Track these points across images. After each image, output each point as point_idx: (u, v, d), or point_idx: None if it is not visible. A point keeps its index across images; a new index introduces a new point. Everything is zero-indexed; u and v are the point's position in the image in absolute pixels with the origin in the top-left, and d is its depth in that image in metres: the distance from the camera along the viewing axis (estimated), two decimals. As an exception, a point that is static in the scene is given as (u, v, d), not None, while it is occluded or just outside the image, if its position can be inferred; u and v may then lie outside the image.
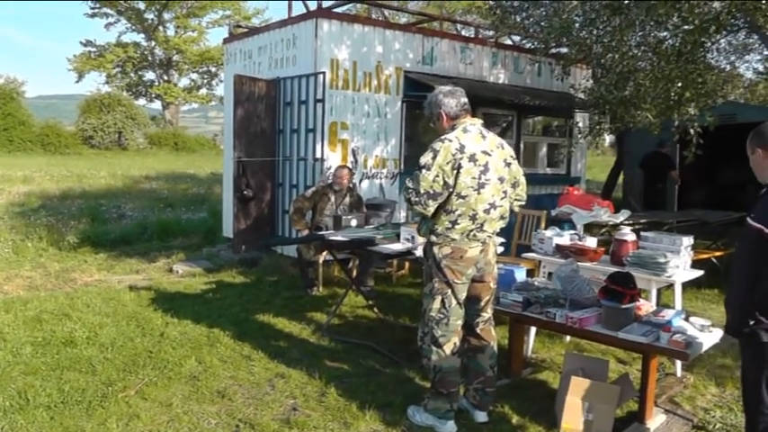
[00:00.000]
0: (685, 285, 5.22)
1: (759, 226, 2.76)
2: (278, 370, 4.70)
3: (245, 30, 10.30)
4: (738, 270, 2.86)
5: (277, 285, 7.31)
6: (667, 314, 4.07)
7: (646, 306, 4.22)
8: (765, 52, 7.53)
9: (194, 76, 43.69)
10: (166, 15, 40.29)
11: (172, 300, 6.57)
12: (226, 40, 10.00)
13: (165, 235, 10.54)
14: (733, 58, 12.84)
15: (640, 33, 7.46)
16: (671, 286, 4.88)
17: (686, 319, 4.05)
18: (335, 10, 8.16)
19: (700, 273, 4.97)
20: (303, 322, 5.92)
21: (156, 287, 7.13)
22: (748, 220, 2.83)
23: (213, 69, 42.29)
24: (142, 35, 41.23)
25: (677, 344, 3.64)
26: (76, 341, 5.13)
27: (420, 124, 8.56)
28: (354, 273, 6.94)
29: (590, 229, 6.99)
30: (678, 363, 4.79)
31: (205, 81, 43.64)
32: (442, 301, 3.75)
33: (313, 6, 7.94)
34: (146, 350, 5.00)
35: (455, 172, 3.57)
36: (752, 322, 2.77)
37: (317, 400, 4.19)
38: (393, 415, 3.97)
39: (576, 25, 7.66)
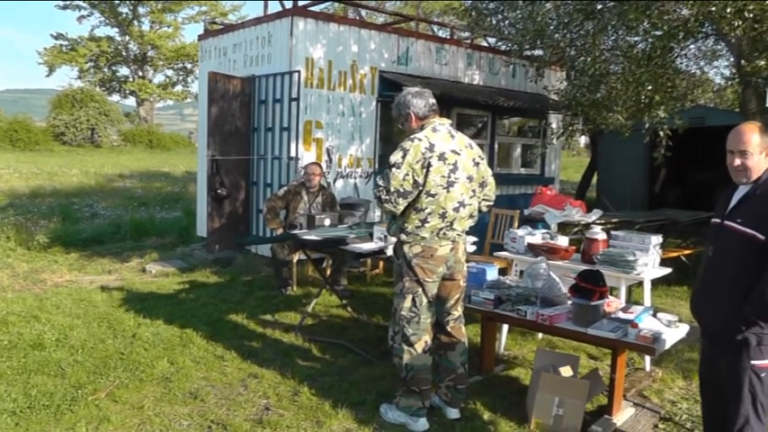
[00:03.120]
0: (655, 282, 5.32)
1: (751, 232, 2.80)
2: (251, 370, 4.69)
3: (221, 26, 10.25)
4: (727, 275, 2.89)
5: (251, 285, 7.28)
6: (636, 311, 4.16)
7: (615, 303, 4.31)
8: (732, 59, 7.68)
9: (169, 72, 43.24)
10: (141, 10, 39.78)
11: (144, 300, 6.51)
12: (201, 37, 9.95)
13: (139, 234, 10.42)
14: (702, 63, 13.11)
15: (612, 38, 7.60)
16: (641, 283, 4.97)
17: (654, 315, 4.13)
18: (311, 8, 8.14)
19: (668, 270, 5.10)
20: (277, 322, 5.92)
21: (129, 287, 7.05)
22: (734, 224, 2.85)
23: (189, 66, 41.87)
24: (116, 29, 40.64)
25: (645, 339, 3.72)
26: (45, 344, 5.04)
27: (395, 124, 8.58)
28: (328, 272, 6.94)
29: (563, 228, 7.08)
30: (647, 357, 4.90)
31: (180, 78, 43.18)
32: (413, 299, 3.79)
33: (289, 5, 7.95)
34: (117, 352, 4.95)
35: (425, 170, 3.61)
36: (744, 328, 2.82)
37: (290, 400, 4.19)
38: (366, 413, 3.99)
39: (550, 28, 7.75)
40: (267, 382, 4.47)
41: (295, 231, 5.99)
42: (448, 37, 9.85)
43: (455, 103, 8.91)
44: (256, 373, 4.63)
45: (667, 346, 3.88)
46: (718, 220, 2.99)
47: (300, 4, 8.01)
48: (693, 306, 3.16)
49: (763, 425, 2.92)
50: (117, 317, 5.85)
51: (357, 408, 4.06)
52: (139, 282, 7.47)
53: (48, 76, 40.34)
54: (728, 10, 5.72)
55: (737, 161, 2.89)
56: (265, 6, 8.64)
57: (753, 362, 2.83)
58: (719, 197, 3.14)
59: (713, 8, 5.84)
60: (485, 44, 10.40)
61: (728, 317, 2.85)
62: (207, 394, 4.24)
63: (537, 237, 5.36)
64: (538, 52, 8.85)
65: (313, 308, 6.00)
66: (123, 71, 42.45)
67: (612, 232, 5.24)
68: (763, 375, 2.85)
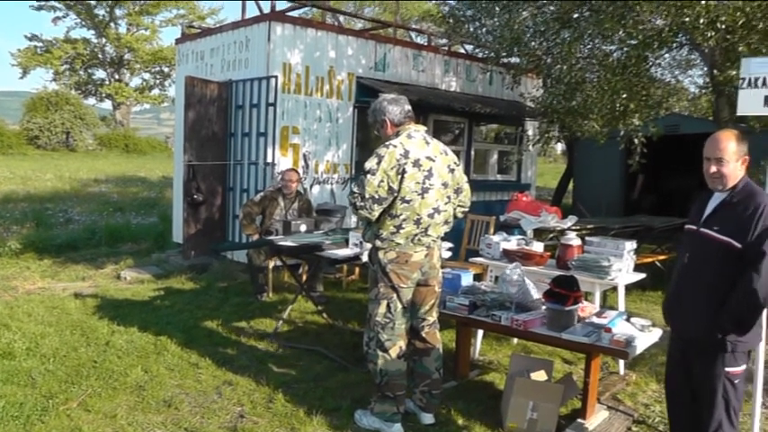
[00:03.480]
0: (629, 287, 5.39)
1: (728, 239, 2.84)
2: (225, 377, 4.66)
3: (198, 30, 10.20)
4: (703, 282, 2.92)
5: (227, 291, 7.24)
6: (610, 315, 4.19)
7: (589, 308, 4.34)
8: (706, 68, 7.80)
9: (146, 75, 42.81)
10: (118, 12, 39.37)
11: (119, 307, 6.43)
12: (178, 41, 9.89)
13: (114, 240, 10.30)
14: (677, 72, 13.37)
15: (588, 46, 7.66)
16: (615, 289, 5.02)
17: (628, 320, 4.18)
18: (289, 14, 8.14)
19: (642, 276, 5.15)
20: (252, 328, 5.90)
21: (103, 294, 6.97)
22: (710, 232, 2.89)
23: (166, 69, 41.52)
24: (92, 31, 40.15)
25: (618, 343, 3.76)
26: (15, 353, 4.94)
27: (371, 130, 8.59)
28: (304, 278, 6.92)
29: (539, 234, 7.13)
30: (621, 361, 4.95)
31: (157, 81, 42.78)
32: (388, 305, 3.80)
33: (267, 9, 7.92)
34: (90, 360, 4.88)
35: (400, 177, 3.63)
36: (720, 336, 2.86)
37: (265, 407, 4.18)
38: (340, 419, 3.99)
39: (527, 36, 7.81)
40: (242, 389, 4.45)
41: (271, 237, 5.97)
42: (425, 44, 9.89)
43: (432, 109, 8.95)
44: (231, 380, 4.61)
45: (641, 350, 3.92)
46: (693, 227, 3.03)
47: (278, 9, 8.00)
48: (667, 310, 3.20)
49: (735, 429, 2.97)
50: (90, 324, 5.77)
51: (332, 414, 4.05)
52: (114, 288, 7.39)
53: (22, 78, 39.73)
54: (701, 21, 5.82)
55: (714, 168, 2.93)
56: (243, 11, 8.62)
57: (727, 369, 2.89)
58: (694, 204, 3.18)
59: (687, 19, 5.93)
60: (462, 51, 10.48)
61: (704, 324, 2.90)
62: (181, 402, 4.20)
63: (512, 243, 5.40)
64: (514, 60, 8.92)
65: (289, 314, 6.00)
66: (99, 74, 42.01)
67: (587, 238, 5.28)
68: (736, 382, 2.92)
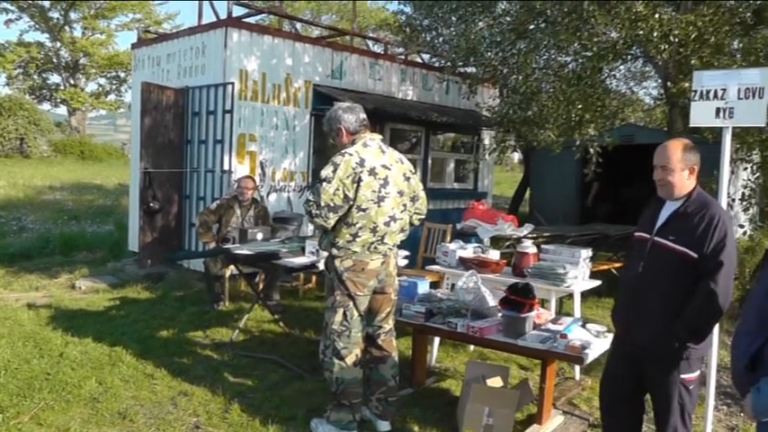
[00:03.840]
0: (585, 294, 5.48)
1: (684, 249, 2.90)
2: (181, 388, 4.60)
3: (155, 35, 10.08)
4: (659, 291, 2.97)
5: (183, 300, 7.15)
6: (565, 322, 4.27)
7: (545, 315, 4.42)
8: (660, 80, 8.00)
9: (102, 81, 41.85)
10: (73, 15, 38.45)
11: (73, 318, 6.30)
12: (134, 46, 9.76)
13: (69, 249, 10.08)
14: (632, 83, 13.74)
15: (544, 57, 7.79)
16: (572, 295, 5.10)
17: (584, 326, 4.24)
18: (246, 20, 8.10)
19: (598, 283, 5.25)
20: (208, 338, 5.84)
21: (57, 305, 6.81)
22: (666, 241, 2.94)
23: (122, 75, 40.72)
24: (47, 35, 39.16)
25: (573, 349, 3.82)
26: (-36, 365, 4.81)
27: (328, 138, 8.58)
28: (261, 287, 6.88)
29: (495, 242, 7.20)
30: (576, 367, 5.03)
31: (114, 87, 41.84)
32: (344, 313, 3.80)
33: (223, 15, 7.87)
34: (43, 372, 4.76)
35: (355, 185, 3.64)
36: (676, 345, 2.92)
37: (221, 417, 4.14)
38: (296, 428, 3.98)
39: (483, 46, 7.90)
40: (197, 399, 4.40)
41: (227, 246, 5.92)
42: (382, 52, 9.95)
43: (389, 118, 8.99)
44: (186, 390, 4.55)
45: (596, 356, 3.98)
46: (646, 236, 3.07)
47: (235, 15, 7.96)
48: (619, 319, 3.24)
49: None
50: (44, 335, 5.64)
51: (288, 423, 4.03)
52: (68, 298, 7.23)
53: (-29, 82, 38.60)
54: (655, 34, 5.97)
55: (659, 175, 3.01)
56: (200, 17, 8.55)
57: (682, 376, 2.95)
58: (644, 212, 3.24)
59: (641, 32, 6.08)
60: (419, 60, 10.55)
61: (660, 332, 2.94)
62: (136, 414, 4.14)
63: (468, 250, 5.45)
64: (471, 69, 9.02)
65: (245, 323, 5.96)
66: (54, 79, 40.89)
67: (543, 246, 5.36)
68: (691, 387, 2.99)
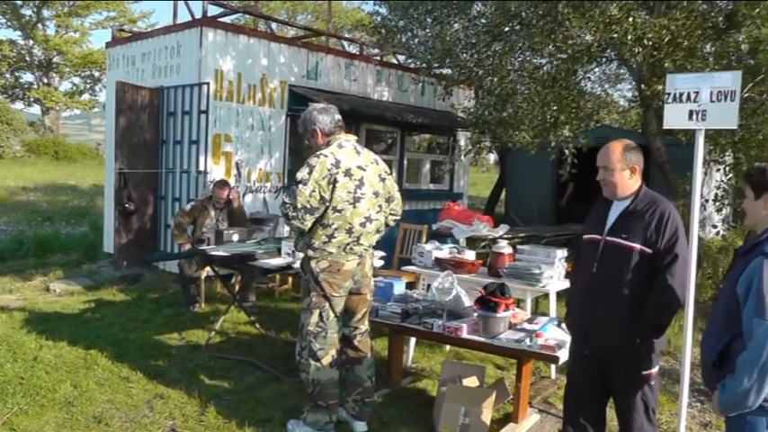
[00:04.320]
0: (561, 294, 5.49)
1: (639, 246, 2.94)
2: (157, 390, 4.58)
3: (129, 34, 9.98)
4: (616, 290, 2.99)
5: (159, 303, 7.09)
6: (541, 321, 4.31)
7: (521, 314, 4.44)
8: (634, 83, 8.11)
9: (76, 80, 41.25)
10: (46, 12, 37.82)
11: (47, 321, 6.22)
12: (109, 44, 9.66)
13: (43, 251, 9.92)
14: (606, 86, 13.89)
15: (519, 59, 7.85)
16: (548, 295, 5.13)
17: (559, 325, 4.26)
18: (221, 20, 8.05)
19: None
20: (184, 340, 5.81)
21: (31, 308, 6.72)
22: (619, 240, 2.97)
23: (97, 74, 40.19)
24: (19, 32, 38.52)
25: (549, 348, 3.86)
26: (-65, 371, 4.73)
27: (303, 140, 8.57)
28: (237, 288, 6.85)
29: (471, 242, 7.25)
30: (552, 366, 5.06)
31: (88, 86, 41.29)
32: (320, 314, 3.80)
33: (198, 14, 7.80)
34: (16, 376, 4.70)
35: (331, 186, 3.65)
36: (639, 341, 2.96)
37: (197, 420, 4.12)
38: (273, 430, 3.98)
39: (459, 48, 7.94)
40: (173, 402, 4.38)
41: (203, 247, 5.89)
42: (358, 53, 9.95)
43: (364, 119, 9.00)
44: (162, 393, 4.53)
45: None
46: (597, 237, 3.10)
47: (210, 14, 7.90)
48: (576, 322, 3.26)
49: (654, 426, 3.10)
50: (17, 339, 5.55)
51: (264, 425, 4.03)
52: (42, 301, 7.13)
53: (-59, 80, 37.84)
54: (629, 37, 6.06)
55: (602, 175, 3.06)
56: (174, 15, 8.48)
57: (644, 372, 3.01)
58: (590, 213, 3.26)
59: (615, 35, 6.16)
60: (394, 61, 10.58)
61: (622, 332, 2.98)
62: (111, 418, 4.11)
63: (444, 251, 5.48)
64: (446, 71, 9.06)
65: (221, 325, 5.94)
66: (27, 77, 40.23)
67: (519, 246, 5.39)
68: (652, 383, 3.04)
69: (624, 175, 3.03)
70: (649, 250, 2.93)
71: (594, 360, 3.14)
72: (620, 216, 3.06)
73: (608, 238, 3.05)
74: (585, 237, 3.20)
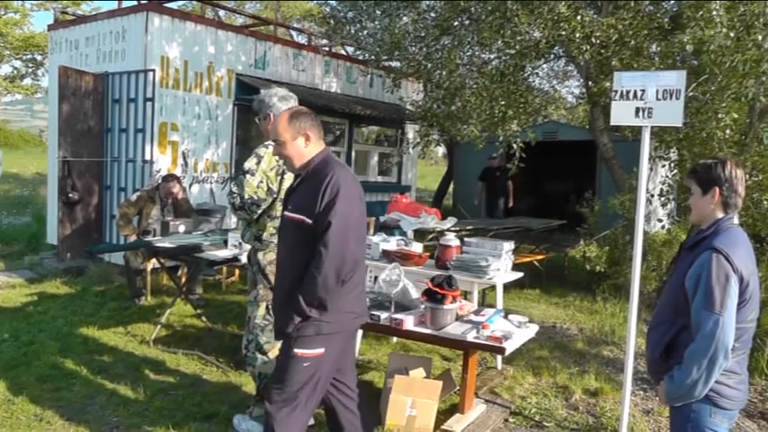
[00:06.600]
0: (508, 286, 5.62)
1: (299, 217, 2.79)
2: (101, 386, 4.50)
3: (73, 17, 9.69)
4: (291, 264, 2.86)
5: (104, 295, 6.96)
6: (487, 313, 4.36)
7: (468, 306, 4.49)
8: (582, 79, 8.27)
9: (17, 63, 39.79)
10: (-16, -8, 36.48)
11: (-14, 315, 6.05)
12: (51, 27, 9.34)
13: (-17, 242, 9.65)
14: (555, 82, 14.14)
15: (468, 53, 7.91)
16: (494, 287, 5.22)
17: (505, 317, 4.35)
18: (167, 5, 7.90)
19: (520, 275, 5.41)
20: (129, 334, 5.73)
21: (-31, 301, 6.53)
22: (288, 213, 2.85)
23: (39, 57, 38.82)
24: (-45, 13, 37.02)
25: (495, 339, 3.89)
26: None
27: (253, 128, 8.50)
28: (183, 280, 6.76)
29: (419, 235, 7.30)
30: (498, 357, 5.17)
31: (30, 70, 39.88)
32: (267, 307, 3.80)
33: (144, -1, 7.65)
34: (-47, 373, 4.58)
35: (279, 178, 3.64)
36: (296, 316, 2.76)
37: (141, 415, 4.08)
38: (219, 425, 3.96)
39: (407, 41, 7.96)
40: (117, 398, 4.32)
41: (149, 238, 5.79)
42: (306, 43, 9.89)
43: (312, 110, 8.89)
44: (107, 389, 4.46)
45: (517, 346, 4.09)
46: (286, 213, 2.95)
47: (156, -1, 7.75)
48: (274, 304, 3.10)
49: (309, 412, 2.96)
50: (-46, 334, 5.40)
51: (210, 420, 4.01)
52: (-19, 294, 6.93)
53: None
54: (577, 35, 6.17)
55: (275, 151, 3.02)
56: (119, -2, 8.28)
57: (299, 350, 2.81)
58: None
59: (563, 33, 6.27)
60: (343, 53, 10.55)
61: (283, 304, 2.84)
62: (53, 415, 4.04)
63: (391, 243, 5.51)
64: (395, 63, 9.09)
65: (167, 318, 5.87)
66: (-36, 61, 38.76)
67: (466, 239, 5.46)
68: (306, 365, 2.81)
69: (298, 144, 2.90)
70: (309, 220, 2.77)
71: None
72: (292, 187, 2.99)
73: (284, 212, 2.94)
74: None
